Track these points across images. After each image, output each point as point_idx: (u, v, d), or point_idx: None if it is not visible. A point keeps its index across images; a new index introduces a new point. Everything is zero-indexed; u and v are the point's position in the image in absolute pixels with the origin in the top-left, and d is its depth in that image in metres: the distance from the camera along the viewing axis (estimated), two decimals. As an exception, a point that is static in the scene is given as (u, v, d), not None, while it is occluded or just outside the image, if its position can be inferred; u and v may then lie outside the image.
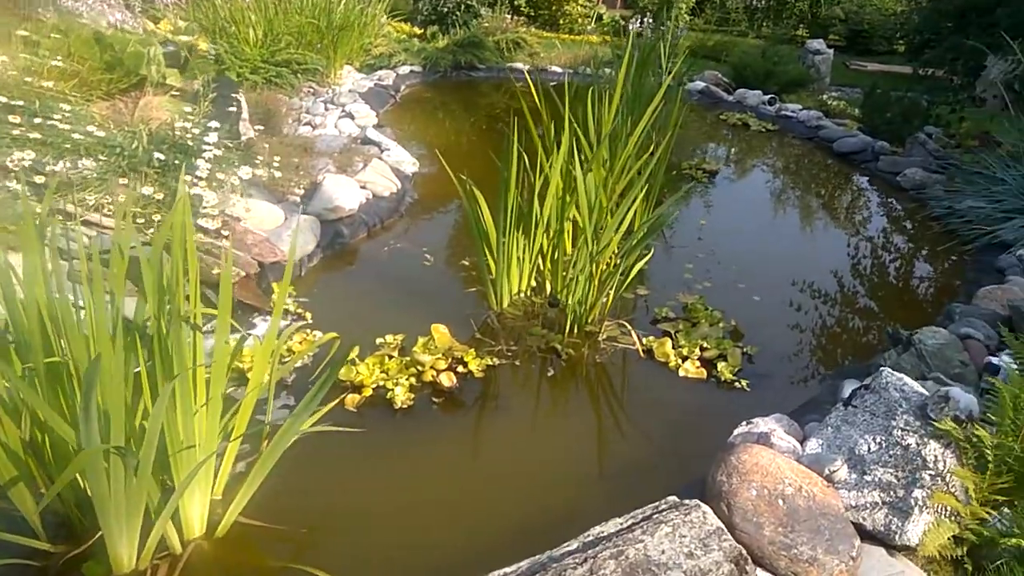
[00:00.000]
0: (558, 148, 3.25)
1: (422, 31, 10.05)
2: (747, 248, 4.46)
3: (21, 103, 2.90)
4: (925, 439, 2.14)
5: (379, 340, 3.00)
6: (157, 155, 3.02)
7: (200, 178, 3.02)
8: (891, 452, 2.15)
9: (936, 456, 2.11)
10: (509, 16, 9.97)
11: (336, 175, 4.16)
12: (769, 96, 7.94)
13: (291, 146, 4.91)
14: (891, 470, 2.11)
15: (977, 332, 3.07)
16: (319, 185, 4.00)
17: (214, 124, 3.30)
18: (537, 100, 3.57)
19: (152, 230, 2.96)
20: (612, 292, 3.33)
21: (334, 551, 2.08)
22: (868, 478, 2.12)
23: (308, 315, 3.15)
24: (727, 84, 8.77)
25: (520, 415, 2.77)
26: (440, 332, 3.07)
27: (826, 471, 2.15)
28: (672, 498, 2.07)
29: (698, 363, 3.11)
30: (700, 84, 8.40)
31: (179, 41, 6.45)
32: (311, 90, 6.80)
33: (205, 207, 2.96)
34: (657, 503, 2.05)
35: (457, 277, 3.70)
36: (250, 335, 2.92)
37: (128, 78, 3.55)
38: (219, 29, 6.60)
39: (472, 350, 2.98)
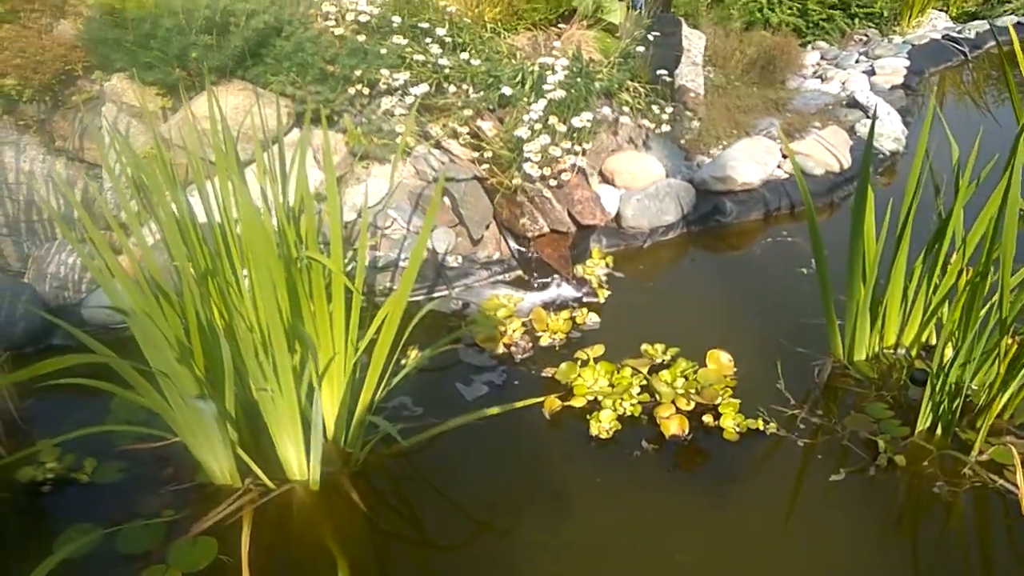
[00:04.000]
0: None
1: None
2: None
3: (426, 25, 3.11)
4: None
5: (644, 346, 2.43)
6: (505, 90, 2.92)
7: (535, 120, 2.81)
8: None
9: None
10: None
11: (754, 139, 3.44)
12: None
13: (764, 100, 4.25)
14: None
15: None
16: (727, 148, 3.37)
17: (558, 65, 3.00)
18: None
19: (483, 167, 2.92)
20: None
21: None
22: None
23: (604, 293, 2.74)
24: None
25: (746, 521, 1.92)
26: (719, 362, 2.34)
27: None
28: None
29: None
30: None
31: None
32: (863, 38, 5.74)
33: (528, 151, 2.76)
34: None
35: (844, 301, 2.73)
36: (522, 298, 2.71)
37: (558, 9, 3.48)
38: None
39: (739, 401, 2.18)
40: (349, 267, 2.21)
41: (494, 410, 2.11)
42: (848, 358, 2.37)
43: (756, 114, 3.94)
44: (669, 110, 3.39)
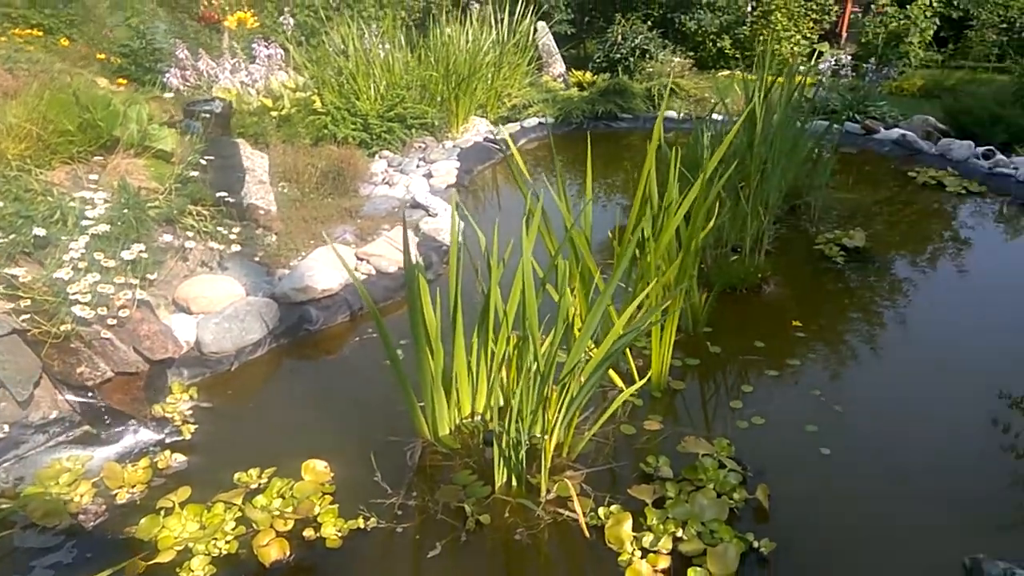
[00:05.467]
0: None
1: (594, 78, 9.40)
2: (847, 367, 3.15)
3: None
4: None
5: (237, 475, 2.34)
6: (37, 231, 2.66)
7: (78, 259, 2.60)
8: None
9: None
10: (676, 59, 8.96)
11: (334, 247, 3.61)
12: (985, 148, 6.15)
13: (339, 209, 4.49)
14: None
15: None
16: (305, 258, 3.48)
17: (97, 198, 2.88)
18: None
19: (23, 317, 2.58)
20: (570, 427, 2.40)
21: None
22: None
23: (190, 429, 2.58)
24: (940, 132, 7.03)
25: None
26: (314, 472, 2.35)
27: None
28: None
29: (667, 560, 2.06)
30: (896, 133, 6.77)
31: (296, 98, 6.45)
32: (422, 145, 6.43)
33: (74, 293, 2.52)
34: None
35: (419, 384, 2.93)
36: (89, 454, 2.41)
37: (98, 140, 3.30)
38: (340, 84, 6.47)
39: (338, 506, 2.21)
40: None
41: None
42: (434, 435, 2.55)
43: (332, 223, 4.15)
44: (237, 230, 3.39)
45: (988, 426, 2.71)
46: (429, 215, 4.40)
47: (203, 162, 3.46)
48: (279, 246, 3.72)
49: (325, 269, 3.39)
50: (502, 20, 8.12)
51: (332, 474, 2.36)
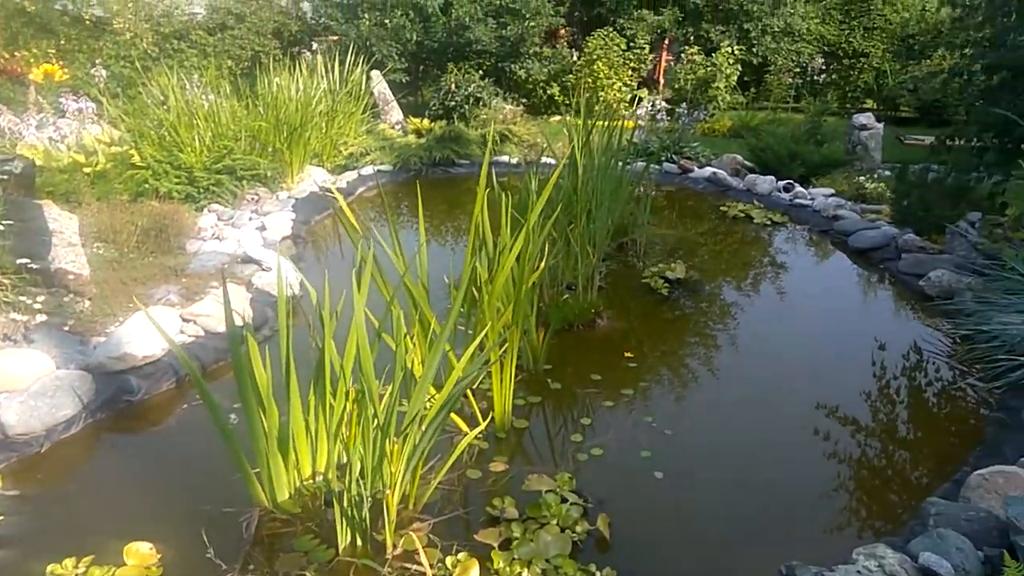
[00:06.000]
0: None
1: (431, 125, 9.53)
2: (676, 392, 3.36)
3: None
4: None
5: (50, 567, 2.13)
6: None
7: None
8: None
9: None
10: (508, 106, 9.33)
11: (151, 310, 3.41)
12: (785, 182, 6.84)
13: (162, 268, 4.25)
14: None
15: (945, 563, 1.92)
16: (123, 324, 3.25)
17: None
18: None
19: None
20: (414, 477, 2.38)
21: None
22: None
23: (-3, 520, 2.33)
24: (748, 169, 7.73)
25: None
26: (139, 555, 2.17)
27: None
28: None
29: (515, 603, 2.08)
30: (708, 171, 7.38)
31: (111, 152, 6.07)
32: (255, 197, 6.22)
33: None
34: None
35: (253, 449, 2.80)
36: None
37: None
38: (161, 136, 6.15)
39: (165, 589, 2.06)
40: None
41: None
42: (272, 501, 2.44)
43: (154, 283, 3.91)
44: (42, 298, 3.12)
45: (807, 438, 2.97)
46: (263, 269, 4.26)
47: (1, 227, 3.17)
48: (93, 312, 3.46)
49: (146, 334, 3.18)
50: (333, 69, 8.10)
51: (159, 556, 2.19)
